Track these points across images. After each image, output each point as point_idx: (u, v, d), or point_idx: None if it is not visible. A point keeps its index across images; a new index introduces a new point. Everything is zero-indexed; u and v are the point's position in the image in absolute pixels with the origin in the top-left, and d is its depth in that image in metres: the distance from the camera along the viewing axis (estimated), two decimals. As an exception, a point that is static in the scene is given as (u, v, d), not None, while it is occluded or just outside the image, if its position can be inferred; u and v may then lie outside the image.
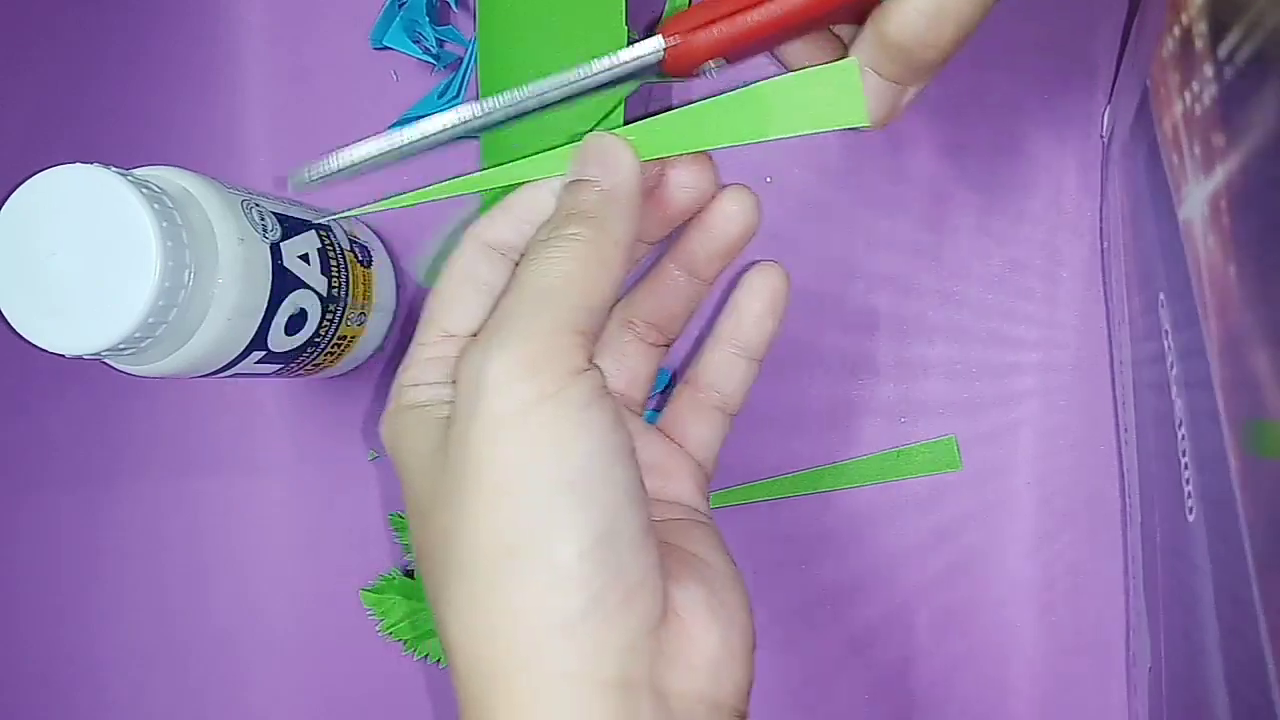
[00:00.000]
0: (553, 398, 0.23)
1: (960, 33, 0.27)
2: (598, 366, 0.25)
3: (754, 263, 0.33)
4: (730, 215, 0.31)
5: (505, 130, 0.30)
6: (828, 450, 0.39)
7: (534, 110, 0.28)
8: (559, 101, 0.28)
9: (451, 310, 0.28)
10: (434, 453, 0.25)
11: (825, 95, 0.28)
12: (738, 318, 0.32)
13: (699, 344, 0.40)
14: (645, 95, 0.39)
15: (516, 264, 0.27)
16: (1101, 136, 0.38)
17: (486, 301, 0.27)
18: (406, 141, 0.29)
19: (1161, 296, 0.28)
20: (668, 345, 0.33)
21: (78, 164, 0.29)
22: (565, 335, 0.24)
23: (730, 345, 0.32)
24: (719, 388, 0.33)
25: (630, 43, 0.28)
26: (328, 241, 0.36)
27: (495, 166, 0.30)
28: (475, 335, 0.26)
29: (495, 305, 0.26)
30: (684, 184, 0.29)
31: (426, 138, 0.29)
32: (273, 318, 0.33)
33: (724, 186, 0.30)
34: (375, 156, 0.29)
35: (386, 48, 0.41)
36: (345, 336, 0.38)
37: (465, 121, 0.28)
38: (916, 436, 0.39)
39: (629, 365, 0.32)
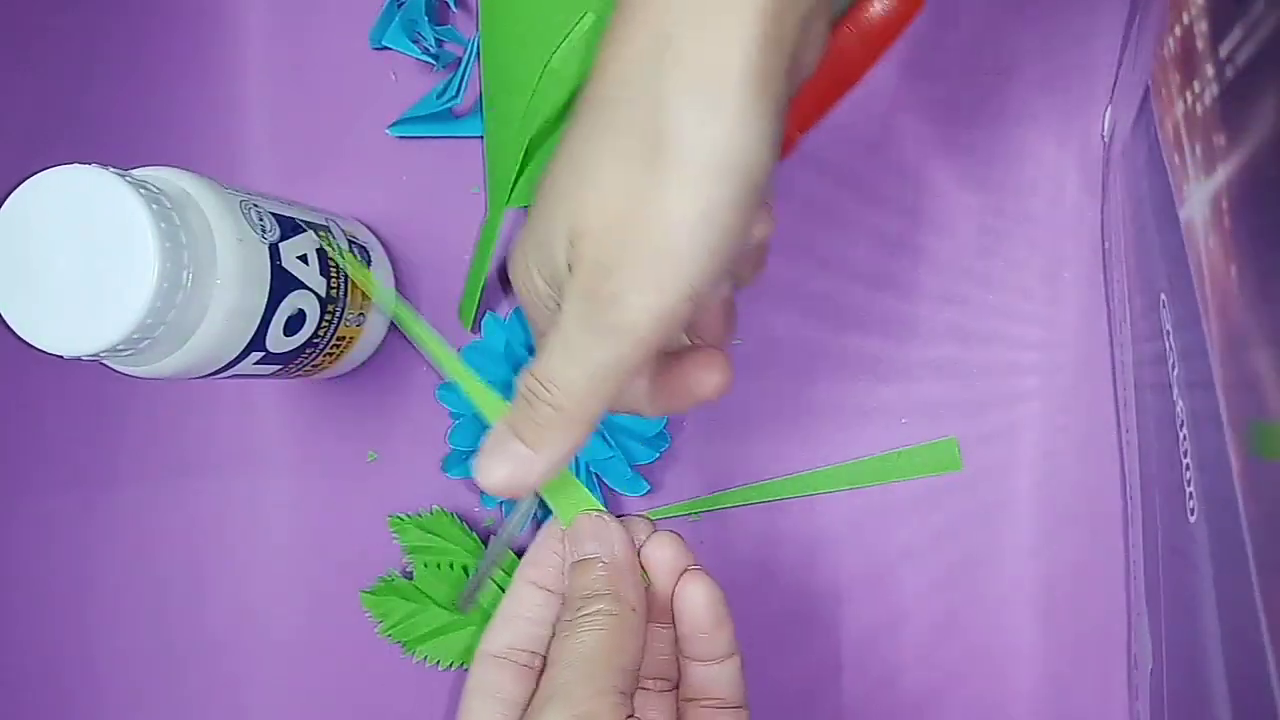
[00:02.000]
0: None
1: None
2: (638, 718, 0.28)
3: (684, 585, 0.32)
4: (697, 608, 0.31)
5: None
6: (828, 450, 0.39)
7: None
8: None
9: None
10: None
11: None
12: (688, 636, 0.32)
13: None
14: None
15: (523, 665, 0.30)
16: (1103, 137, 0.38)
17: (502, 710, 0.30)
18: (518, 523, 0.33)
19: (1163, 297, 0.28)
20: (675, 687, 0.34)
21: (76, 164, 0.29)
22: (608, 696, 0.27)
23: (695, 654, 0.32)
24: (714, 694, 0.32)
25: None
26: (326, 242, 0.36)
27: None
28: None
29: (537, 685, 0.29)
30: (662, 559, 0.31)
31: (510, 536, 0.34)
32: (271, 318, 0.33)
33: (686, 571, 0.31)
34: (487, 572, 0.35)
35: (385, 48, 0.41)
36: (344, 337, 0.38)
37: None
38: (917, 437, 0.39)
39: (652, 716, 0.34)
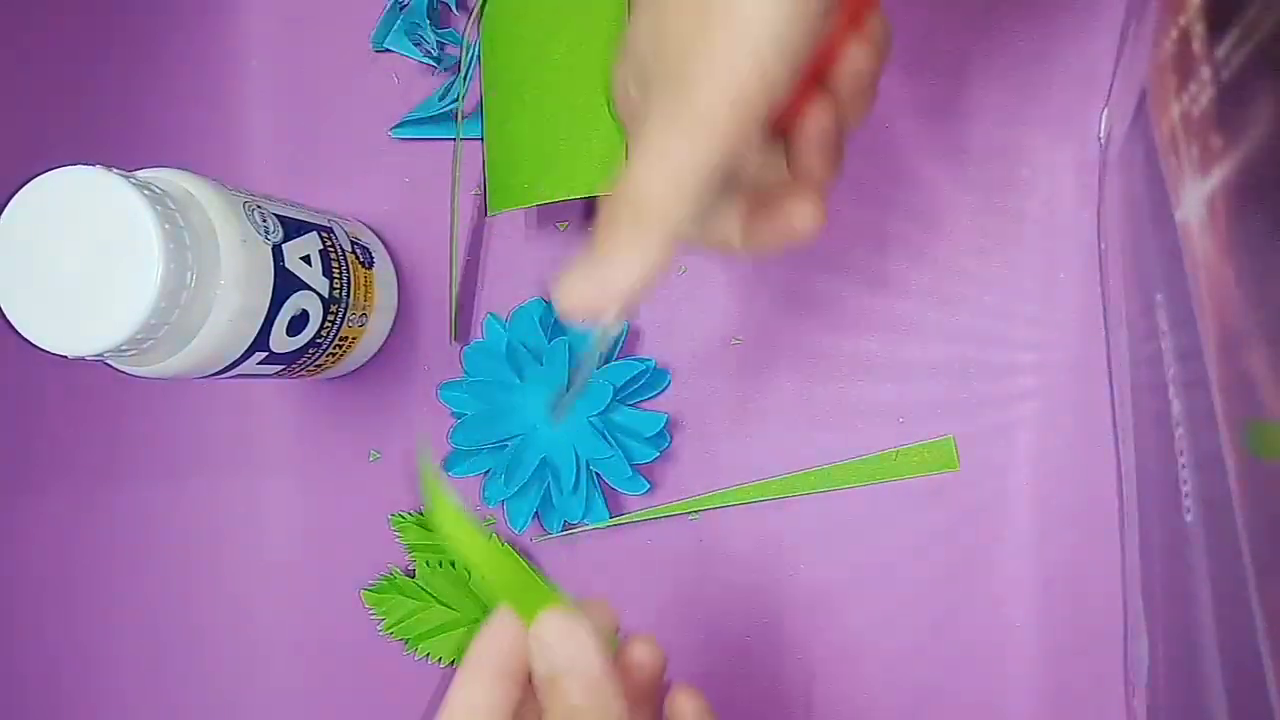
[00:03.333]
0: None
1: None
2: None
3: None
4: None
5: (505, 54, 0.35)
6: (826, 450, 0.39)
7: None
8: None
9: None
10: None
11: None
12: None
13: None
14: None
15: None
16: (1099, 139, 0.38)
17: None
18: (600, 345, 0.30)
19: (1159, 298, 0.28)
20: None
21: (81, 166, 0.29)
22: None
23: None
24: None
25: None
26: (329, 243, 0.36)
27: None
28: None
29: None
30: (641, 661, 0.30)
31: None
32: (274, 319, 0.33)
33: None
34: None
35: (387, 50, 0.42)
36: (347, 337, 0.38)
37: None
38: (916, 436, 0.39)
39: None
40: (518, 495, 0.39)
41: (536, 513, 0.40)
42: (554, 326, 0.39)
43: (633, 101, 0.28)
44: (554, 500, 0.39)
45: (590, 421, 0.39)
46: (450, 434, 0.40)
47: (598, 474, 0.39)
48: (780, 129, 0.29)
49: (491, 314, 0.40)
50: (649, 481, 0.39)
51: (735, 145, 0.26)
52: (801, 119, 0.29)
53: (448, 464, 0.40)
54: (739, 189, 0.30)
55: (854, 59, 0.28)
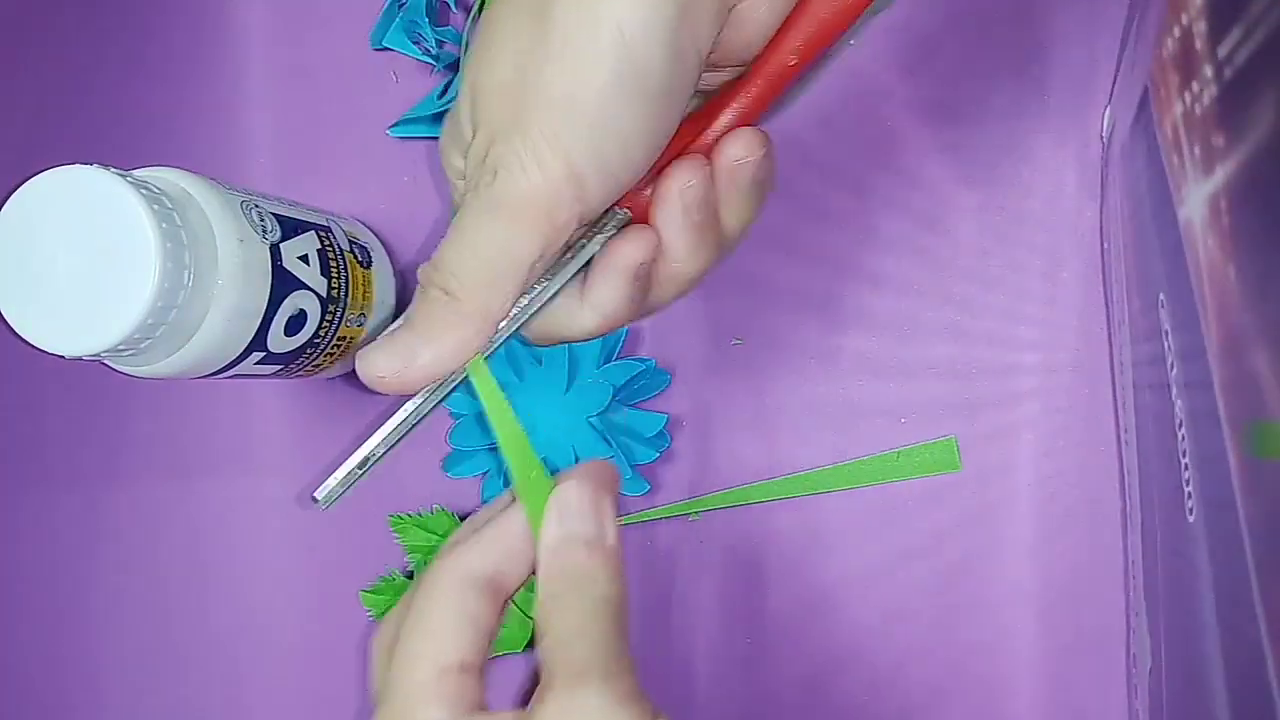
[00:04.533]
0: None
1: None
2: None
3: None
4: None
5: None
6: (827, 450, 0.39)
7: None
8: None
9: (446, 646, 0.25)
10: None
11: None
12: None
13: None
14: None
15: (499, 593, 0.26)
16: (1102, 137, 0.38)
17: (474, 634, 0.26)
18: (402, 424, 0.27)
19: (1161, 297, 0.28)
20: None
21: (77, 165, 0.29)
22: (634, 673, 0.24)
23: None
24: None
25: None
26: (327, 243, 0.36)
27: None
28: (469, 669, 0.25)
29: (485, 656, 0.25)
30: (737, 155, 0.27)
31: (417, 415, 0.27)
32: (272, 319, 0.33)
33: None
34: (379, 454, 0.28)
35: (386, 48, 0.41)
36: (345, 337, 0.38)
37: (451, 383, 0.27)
38: (916, 437, 0.39)
39: None
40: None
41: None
42: None
43: (456, 170, 0.27)
44: None
45: (590, 422, 0.38)
46: (450, 434, 0.40)
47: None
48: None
49: None
50: (649, 482, 0.39)
51: (555, 238, 0.25)
52: (620, 241, 0.26)
53: (447, 465, 0.40)
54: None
55: (729, 155, 0.26)
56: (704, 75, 0.26)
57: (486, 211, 0.25)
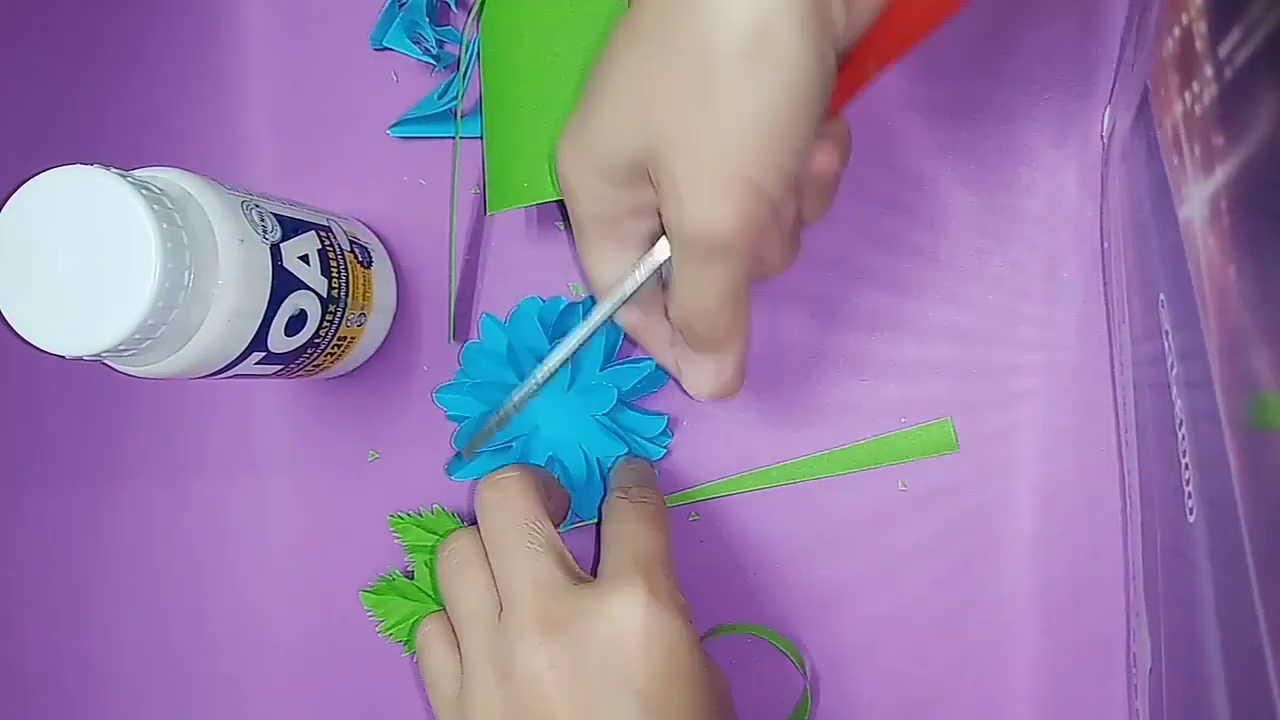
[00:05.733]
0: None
1: (726, 305, 0.30)
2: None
3: None
4: None
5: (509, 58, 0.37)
6: (827, 450, 0.39)
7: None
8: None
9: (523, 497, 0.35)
10: None
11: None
12: None
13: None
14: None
15: None
16: (1102, 137, 0.38)
17: None
18: (525, 393, 0.35)
19: (1162, 297, 0.28)
20: None
21: (78, 165, 0.29)
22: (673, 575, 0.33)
23: None
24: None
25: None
26: (328, 242, 0.36)
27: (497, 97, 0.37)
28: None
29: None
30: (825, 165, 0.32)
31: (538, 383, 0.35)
32: (273, 319, 0.33)
33: None
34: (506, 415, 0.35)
35: (387, 48, 0.41)
36: (345, 337, 0.38)
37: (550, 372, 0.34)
38: (917, 437, 0.39)
39: None
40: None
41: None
42: (554, 325, 0.39)
43: (594, 190, 0.30)
44: None
45: (597, 419, 0.39)
46: (454, 438, 0.40)
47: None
48: None
49: (488, 314, 0.40)
50: (649, 481, 0.39)
51: (756, 246, 0.28)
52: None
53: (451, 468, 0.40)
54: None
55: (820, 161, 0.29)
56: None
57: (705, 264, 0.28)
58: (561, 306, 0.39)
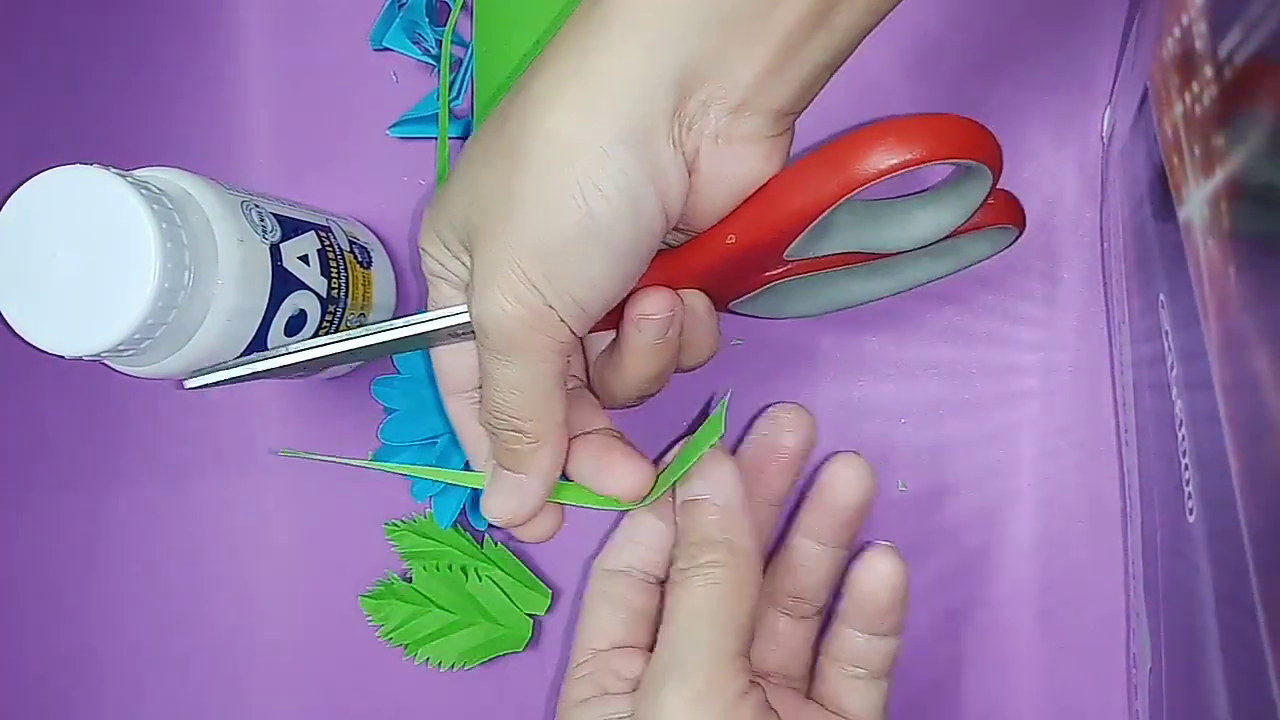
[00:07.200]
0: None
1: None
2: (759, 683, 0.29)
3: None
4: (846, 482, 0.34)
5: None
6: (828, 451, 0.39)
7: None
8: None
9: (594, 632, 0.32)
10: None
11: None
12: (861, 607, 0.33)
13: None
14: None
15: (642, 579, 0.32)
16: (1102, 137, 0.38)
17: (622, 616, 0.31)
18: (285, 363, 0.32)
19: (1161, 297, 0.28)
20: (819, 612, 0.35)
21: (77, 165, 0.29)
22: (727, 664, 0.28)
23: (860, 627, 0.33)
24: (864, 664, 0.33)
25: None
26: (327, 243, 0.36)
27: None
28: (622, 648, 0.31)
29: (656, 635, 0.30)
30: (787, 428, 0.35)
31: (302, 361, 0.32)
32: (272, 319, 0.33)
33: (836, 453, 0.35)
34: (257, 372, 0.33)
35: (386, 48, 0.41)
36: (345, 337, 0.38)
37: (339, 347, 0.32)
38: (916, 437, 0.39)
39: (783, 643, 0.34)
40: (444, 493, 0.39)
41: (464, 508, 0.40)
42: None
43: (451, 267, 0.30)
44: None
45: None
46: (380, 429, 0.40)
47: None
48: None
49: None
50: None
51: (567, 348, 0.28)
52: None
53: (377, 459, 0.40)
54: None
55: (643, 306, 0.29)
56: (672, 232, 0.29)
57: (499, 355, 0.28)
58: None
